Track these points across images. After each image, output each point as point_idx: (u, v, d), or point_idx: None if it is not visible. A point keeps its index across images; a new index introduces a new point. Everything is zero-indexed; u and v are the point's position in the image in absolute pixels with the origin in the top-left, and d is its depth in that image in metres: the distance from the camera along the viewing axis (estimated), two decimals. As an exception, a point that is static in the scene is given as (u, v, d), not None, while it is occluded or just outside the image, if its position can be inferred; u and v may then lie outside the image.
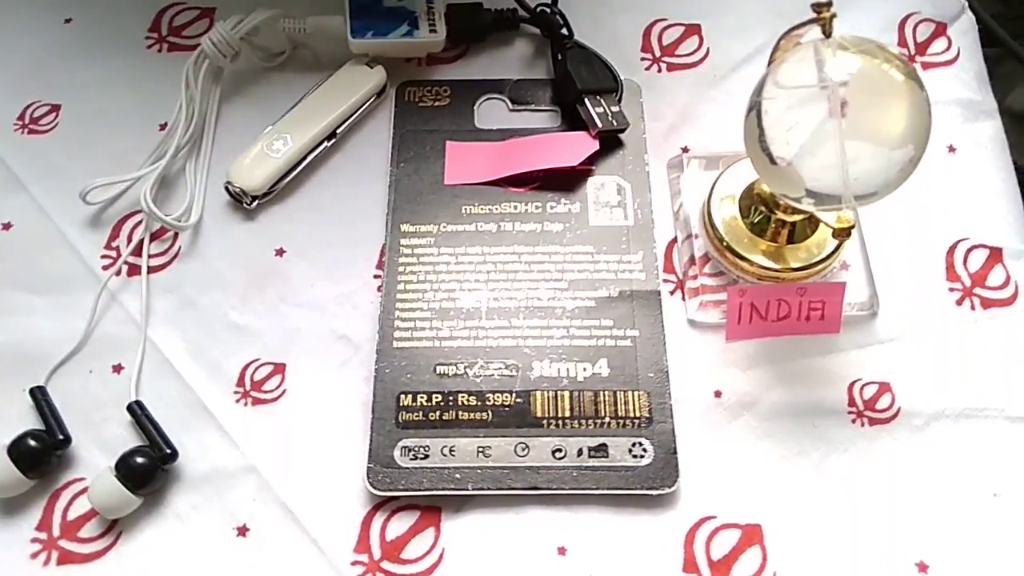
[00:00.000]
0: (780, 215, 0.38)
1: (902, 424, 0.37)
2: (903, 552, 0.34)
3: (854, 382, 0.38)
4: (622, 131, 0.43)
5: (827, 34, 0.32)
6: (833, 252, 0.38)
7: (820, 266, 0.38)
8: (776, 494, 0.35)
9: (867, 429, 0.37)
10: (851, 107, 0.30)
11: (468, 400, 0.37)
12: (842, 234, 0.34)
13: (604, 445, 0.36)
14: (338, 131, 0.43)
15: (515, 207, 0.42)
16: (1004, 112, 0.45)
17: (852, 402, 0.37)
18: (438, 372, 0.38)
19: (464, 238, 0.41)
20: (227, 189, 0.41)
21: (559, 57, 0.44)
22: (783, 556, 0.34)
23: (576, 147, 0.42)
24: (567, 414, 0.37)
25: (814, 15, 0.32)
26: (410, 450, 0.36)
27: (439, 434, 0.36)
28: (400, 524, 0.35)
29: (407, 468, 0.36)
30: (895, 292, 0.39)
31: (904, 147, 0.30)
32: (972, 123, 0.44)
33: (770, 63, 0.35)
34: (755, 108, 0.32)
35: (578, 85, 0.43)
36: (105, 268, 0.40)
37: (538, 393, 0.37)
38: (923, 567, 0.34)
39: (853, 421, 0.37)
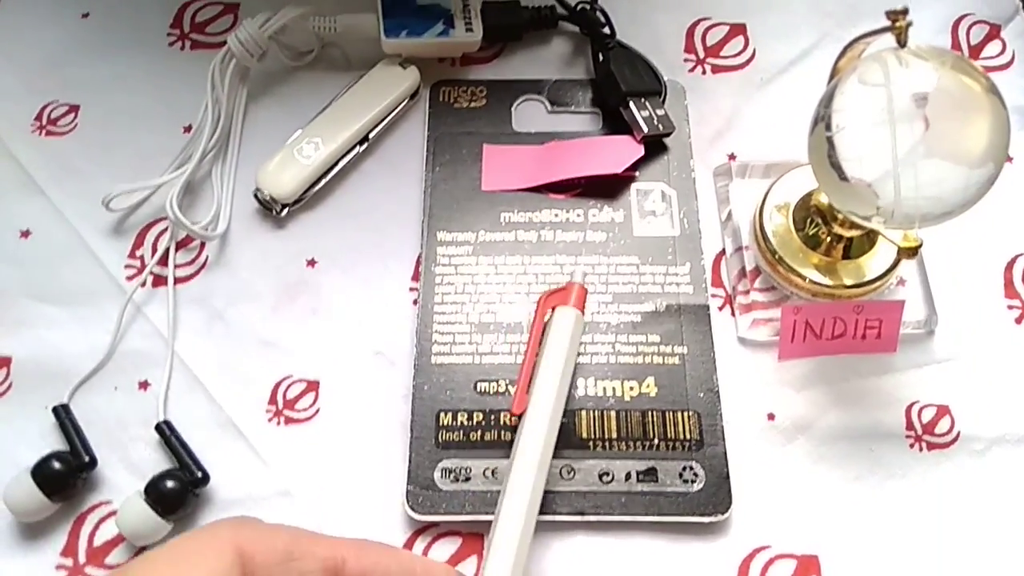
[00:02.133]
0: (837, 229, 0.36)
1: (962, 449, 0.35)
2: (966, 584, 0.33)
3: (912, 404, 0.36)
4: (668, 135, 0.41)
5: (902, 44, 0.30)
6: (890, 268, 0.37)
7: (877, 283, 0.37)
8: (833, 522, 0.34)
9: (926, 454, 0.35)
10: (932, 124, 0.28)
11: (511, 419, 0.35)
12: (909, 254, 0.32)
13: (653, 469, 0.34)
14: (371, 135, 0.41)
15: (556, 215, 0.40)
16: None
17: (910, 425, 0.36)
18: (479, 389, 0.36)
19: (504, 247, 0.39)
20: (256, 196, 0.40)
21: (600, 57, 0.42)
22: (841, 588, 0.33)
23: (620, 153, 0.40)
24: (614, 435, 0.35)
25: (887, 22, 0.30)
26: (451, 472, 0.34)
27: (481, 455, 0.35)
28: (442, 551, 0.34)
29: (448, 491, 0.34)
30: (952, 310, 0.38)
31: (984, 166, 0.29)
32: (1029, 131, 0.42)
33: (834, 72, 0.33)
34: (824, 121, 0.30)
35: (622, 87, 0.41)
36: (129, 279, 0.39)
37: (583, 413, 0.36)
38: (986, 600, 0.33)
39: (911, 446, 0.35)
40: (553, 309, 0.35)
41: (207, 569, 0.22)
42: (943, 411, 0.36)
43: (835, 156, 0.30)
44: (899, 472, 0.35)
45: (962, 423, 0.36)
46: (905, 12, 0.30)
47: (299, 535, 0.24)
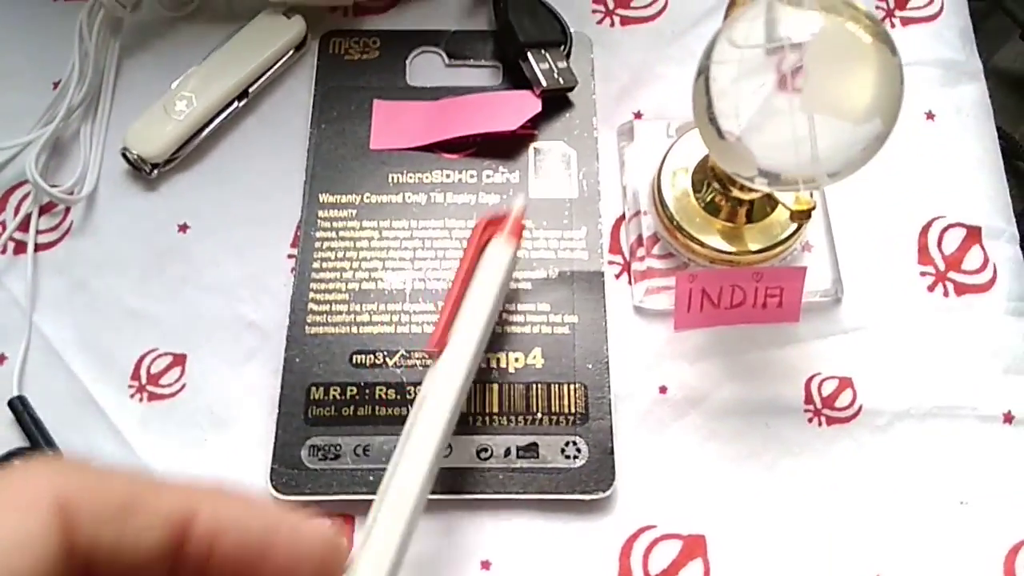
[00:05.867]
0: (736, 193, 0.34)
1: (863, 423, 0.33)
2: (861, 565, 0.31)
3: (812, 376, 0.34)
4: (569, 90, 0.38)
5: (787, -14, 0.27)
6: (794, 232, 0.35)
7: (779, 248, 0.35)
8: (722, 501, 0.32)
9: (825, 429, 0.33)
10: (810, 74, 0.26)
11: (387, 394, 0.33)
12: (801, 216, 0.31)
13: (535, 444, 0.33)
14: (251, 89, 0.38)
15: (448, 176, 0.37)
16: (989, 73, 0.41)
17: (809, 399, 0.34)
18: (354, 362, 0.34)
19: (390, 210, 0.37)
20: (124, 156, 0.37)
21: (500, 5, 0.40)
22: (727, 570, 0.31)
23: (517, 108, 0.38)
24: (495, 410, 0.33)
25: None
26: (319, 449, 0.33)
27: (353, 431, 0.33)
28: (310, 532, 0.32)
29: (315, 469, 0.32)
30: (861, 276, 0.36)
31: (870, 122, 0.26)
32: (953, 87, 0.39)
33: (727, 14, 0.31)
34: (703, 73, 0.28)
35: (520, 37, 0.38)
36: (-12, 246, 0.36)
37: None
38: (880, 582, 0.31)
39: (810, 420, 0.34)
40: (489, 240, 0.32)
41: (17, 530, 0.16)
42: (845, 383, 0.34)
43: (712, 111, 0.28)
44: (795, 449, 0.33)
45: (865, 396, 0.34)
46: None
47: (138, 483, 0.19)
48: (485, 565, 0.31)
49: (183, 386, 0.34)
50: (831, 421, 0.34)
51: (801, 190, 0.28)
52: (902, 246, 0.36)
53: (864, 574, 0.31)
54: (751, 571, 0.31)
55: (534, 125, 0.38)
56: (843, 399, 0.34)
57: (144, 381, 0.34)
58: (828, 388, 0.34)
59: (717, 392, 0.34)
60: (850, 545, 0.32)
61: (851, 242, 0.36)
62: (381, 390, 0.33)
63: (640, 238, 0.36)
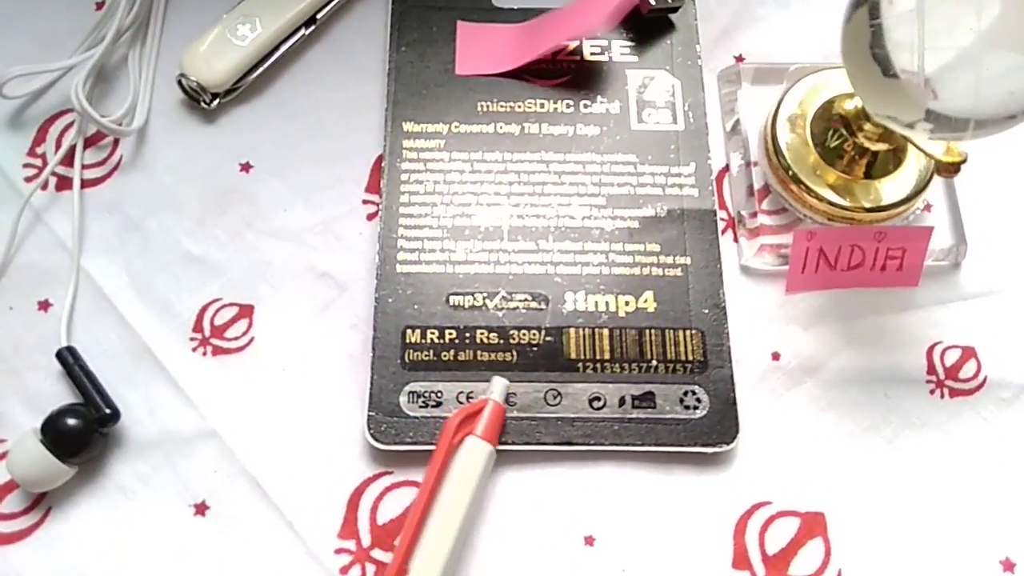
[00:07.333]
0: (863, 141, 0.31)
1: (988, 396, 0.31)
2: (987, 547, 0.29)
3: (934, 345, 0.32)
4: (675, 10, 0.36)
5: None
6: (919, 190, 0.32)
7: (901, 207, 0.32)
8: (841, 477, 0.30)
9: (948, 401, 0.31)
10: (1005, 5, 0.23)
11: (488, 338, 0.31)
12: (950, 170, 0.28)
13: (651, 393, 0.30)
14: (319, 15, 0.35)
15: (542, 105, 0.34)
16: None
17: (931, 369, 0.32)
18: (451, 303, 0.31)
19: (481, 141, 0.34)
20: (180, 84, 0.34)
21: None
22: (849, 550, 0.29)
23: (607, 4, 0.34)
24: (606, 356, 0.31)
25: None
26: (419, 396, 0.30)
27: (454, 377, 0.30)
28: (394, 504, 0.29)
29: (416, 417, 0.29)
30: (983, 239, 0.33)
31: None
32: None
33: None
34: (868, 3, 0.25)
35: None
36: (28, 180, 0.33)
37: (572, 331, 0.31)
38: (1009, 565, 0.29)
39: (932, 392, 0.31)
40: (464, 437, 0.28)
41: None
42: (969, 353, 0.32)
43: (882, 44, 0.25)
44: (917, 421, 0.31)
45: (989, 367, 0.32)
46: None
47: None
48: (588, 541, 0.29)
49: (251, 340, 0.31)
50: (954, 393, 0.31)
51: (969, 137, 0.25)
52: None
53: (992, 557, 0.29)
54: (874, 552, 0.29)
55: (634, 51, 0.35)
56: (967, 370, 0.32)
57: (208, 333, 0.31)
58: (951, 358, 0.32)
59: (833, 360, 0.32)
60: (977, 525, 0.30)
61: (972, 204, 0.33)
62: (482, 334, 0.31)
63: (751, 189, 0.33)
